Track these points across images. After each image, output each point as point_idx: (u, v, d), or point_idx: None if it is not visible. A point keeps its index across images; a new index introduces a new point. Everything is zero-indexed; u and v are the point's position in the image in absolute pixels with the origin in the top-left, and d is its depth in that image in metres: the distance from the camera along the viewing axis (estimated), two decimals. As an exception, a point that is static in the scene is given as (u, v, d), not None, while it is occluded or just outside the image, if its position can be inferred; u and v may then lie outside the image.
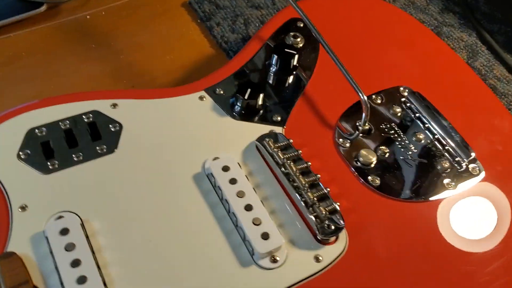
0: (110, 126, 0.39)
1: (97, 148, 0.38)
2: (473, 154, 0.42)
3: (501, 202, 0.41)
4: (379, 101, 0.45)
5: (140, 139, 0.39)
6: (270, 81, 0.45)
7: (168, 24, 0.61)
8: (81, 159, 0.37)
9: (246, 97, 0.41)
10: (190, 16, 0.62)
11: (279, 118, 0.43)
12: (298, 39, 0.48)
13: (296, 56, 0.45)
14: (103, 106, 0.40)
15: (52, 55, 0.57)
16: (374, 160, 0.41)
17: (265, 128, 0.42)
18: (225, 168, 0.37)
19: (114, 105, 0.40)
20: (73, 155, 0.37)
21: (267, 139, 0.39)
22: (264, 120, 0.42)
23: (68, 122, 0.38)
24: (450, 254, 0.37)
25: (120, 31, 0.60)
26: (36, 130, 0.38)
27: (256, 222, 0.35)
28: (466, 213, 0.40)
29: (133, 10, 0.63)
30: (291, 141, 0.40)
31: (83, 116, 0.39)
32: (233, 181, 0.36)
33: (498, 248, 0.38)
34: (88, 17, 0.61)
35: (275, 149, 0.38)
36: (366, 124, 0.43)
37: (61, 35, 0.59)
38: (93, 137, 0.38)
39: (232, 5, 0.62)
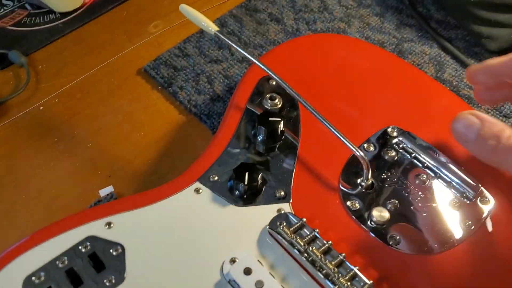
0: (111, 250, 0.36)
1: (105, 281, 0.35)
2: (479, 186, 0.42)
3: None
4: (372, 149, 0.44)
5: (147, 257, 0.36)
6: (261, 153, 0.43)
7: (129, 97, 0.58)
8: (114, 282, 0.34)
9: (246, 182, 0.39)
10: (149, 84, 0.59)
11: (282, 193, 0.41)
12: (276, 100, 0.46)
13: (282, 122, 0.44)
14: (97, 228, 0.37)
15: (15, 159, 0.53)
16: (387, 216, 0.40)
17: (272, 208, 0.40)
18: (247, 271, 0.35)
19: (109, 224, 0.37)
20: (105, 281, 0.34)
21: (280, 224, 0.37)
22: (269, 199, 0.40)
23: (66, 258, 0.35)
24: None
25: (80, 116, 0.57)
26: (33, 278, 0.34)
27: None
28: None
29: (87, 89, 0.59)
30: (305, 220, 0.38)
31: (80, 247, 0.36)
32: (259, 284, 0.34)
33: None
34: (41, 108, 0.57)
35: (292, 235, 0.36)
36: (370, 179, 0.42)
37: (18, 134, 0.55)
38: (97, 269, 0.35)
39: (190, 64, 0.59)
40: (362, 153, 0.41)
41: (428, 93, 0.49)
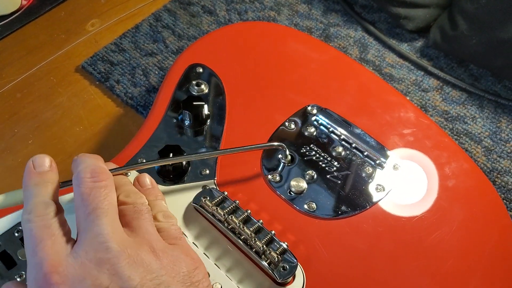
0: (44, 233, 0.38)
1: (37, 261, 0.37)
2: (389, 153, 0.46)
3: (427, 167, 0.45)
4: (293, 126, 0.47)
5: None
6: (188, 136, 0.46)
7: (68, 93, 0.60)
8: (24, 279, 0.36)
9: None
10: (87, 80, 0.61)
11: (207, 172, 0.43)
12: (202, 86, 0.49)
13: (206, 106, 0.46)
14: (29, 214, 0.39)
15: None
16: (305, 186, 0.43)
17: (198, 186, 0.42)
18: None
19: (41, 210, 0.39)
20: (16, 276, 0.36)
21: (203, 198, 0.40)
22: (195, 177, 0.43)
23: (0, 242, 0.37)
24: (404, 248, 0.40)
25: (20, 115, 0.58)
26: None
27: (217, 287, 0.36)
28: (403, 199, 0.43)
29: (27, 88, 0.61)
30: (226, 193, 0.41)
31: (13, 231, 0.38)
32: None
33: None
34: (-19, 108, 0.59)
35: (213, 207, 0.39)
36: (288, 156, 0.45)
37: (-42, 136, 0.56)
38: (29, 251, 0.37)
39: (126, 58, 0.62)
40: (276, 143, 0.44)
41: (346, 73, 0.53)
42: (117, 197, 0.33)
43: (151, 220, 0.33)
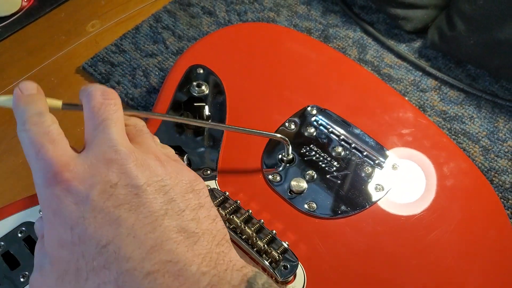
0: (47, 233, 0.39)
1: (41, 261, 0.37)
2: (388, 153, 0.46)
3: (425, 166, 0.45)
4: (293, 127, 0.48)
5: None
6: (190, 137, 0.46)
7: (68, 94, 0.61)
8: (28, 279, 0.36)
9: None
10: (88, 81, 0.62)
11: (209, 172, 0.44)
12: (203, 87, 0.49)
13: (206, 107, 0.47)
14: (32, 214, 0.40)
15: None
16: (305, 186, 0.43)
17: (198, 186, 0.43)
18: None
19: (44, 210, 0.40)
20: (20, 276, 0.36)
21: (204, 199, 0.41)
22: (195, 178, 0.43)
23: (3, 243, 0.38)
24: (400, 252, 0.41)
25: (21, 116, 0.58)
26: (-28, 262, 0.36)
27: None
28: (403, 199, 0.44)
29: (28, 89, 0.61)
30: (227, 193, 0.41)
31: (16, 232, 0.38)
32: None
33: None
34: (-18, 110, 0.59)
35: (215, 207, 0.40)
36: (290, 154, 0.45)
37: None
38: (32, 251, 0.38)
39: (126, 59, 0.62)
40: (280, 135, 0.44)
41: (345, 73, 0.53)
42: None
43: (152, 138, 0.34)
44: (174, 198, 0.29)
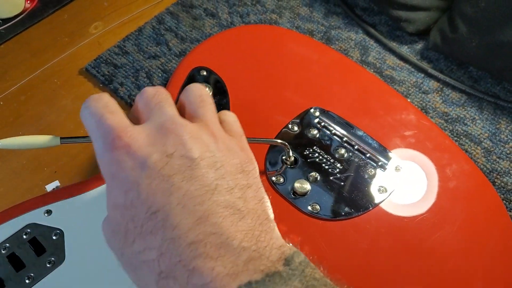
0: (51, 235, 0.39)
1: (46, 262, 0.37)
2: (391, 155, 0.46)
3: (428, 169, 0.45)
4: (296, 129, 0.48)
5: (85, 239, 0.39)
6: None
7: (71, 96, 0.61)
8: (33, 280, 0.36)
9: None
10: (91, 83, 0.62)
11: (211, 174, 0.44)
12: (207, 89, 0.49)
13: (210, 108, 0.47)
14: (37, 216, 0.40)
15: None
16: (308, 187, 0.44)
17: (201, 188, 0.43)
18: (178, 244, 0.38)
19: (48, 212, 0.40)
20: (25, 278, 0.36)
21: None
22: (199, 180, 0.44)
23: (8, 245, 0.38)
24: (406, 250, 0.41)
25: (25, 117, 0.59)
26: (-23, 264, 0.37)
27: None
28: (405, 199, 0.44)
29: (31, 91, 0.61)
30: (230, 195, 0.41)
31: (21, 234, 0.38)
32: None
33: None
34: (-14, 111, 0.59)
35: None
36: (292, 157, 0.45)
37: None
38: (37, 252, 0.38)
39: (129, 61, 0.62)
40: (280, 141, 0.44)
41: (348, 75, 0.53)
42: (181, 99, 0.36)
43: (214, 110, 0.35)
44: (224, 175, 0.30)
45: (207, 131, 0.32)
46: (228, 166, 0.31)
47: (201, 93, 0.35)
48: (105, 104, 0.31)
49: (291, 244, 0.30)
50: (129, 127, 0.30)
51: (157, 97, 0.33)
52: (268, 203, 0.32)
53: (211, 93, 0.50)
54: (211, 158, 0.30)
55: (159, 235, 0.28)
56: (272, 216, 0.31)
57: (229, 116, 0.37)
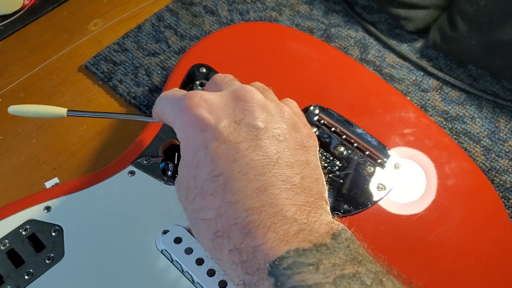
0: (50, 231, 0.39)
1: (45, 259, 0.37)
2: (390, 152, 0.46)
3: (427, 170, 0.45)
4: (296, 126, 0.48)
5: (84, 235, 0.39)
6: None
7: (71, 93, 0.61)
8: (33, 276, 0.36)
9: (176, 162, 0.42)
10: (90, 80, 0.62)
11: (211, 171, 0.44)
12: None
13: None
14: (36, 212, 0.40)
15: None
16: (308, 185, 0.44)
17: (201, 185, 0.43)
18: (178, 240, 0.38)
19: (48, 208, 0.40)
20: (24, 274, 0.36)
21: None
22: (198, 177, 0.44)
23: (7, 241, 0.38)
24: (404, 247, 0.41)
25: (23, 114, 0.58)
26: (-24, 260, 0.37)
27: (222, 285, 0.36)
28: (404, 200, 0.44)
29: (30, 88, 0.61)
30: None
31: (20, 230, 0.38)
32: (188, 251, 0.38)
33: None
34: (-15, 108, 0.59)
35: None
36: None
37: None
38: (36, 248, 0.38)
39: (129, 58, 0.62)
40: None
41: (347, 73, 0.53)
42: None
43: (275, 96, 0.37)
44: (286, 149, 0.32)
45: (274, 104, 0.34)
46: (290, 140, 0.33)
47: (260, 84, 0.38)
48: (176, 89, 0.35)
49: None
50: (201, 92, 0.33)
51: (227, 77, 0.36)
52: (323, 182, 0.34)
53: (210, 90, 0.50)
54: (276, 130, 0.32)
55: (218, 197, 0.30)
56: (326, 194, 0.33)
57: (291, 102, 0.39)
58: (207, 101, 0.32)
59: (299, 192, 0.30)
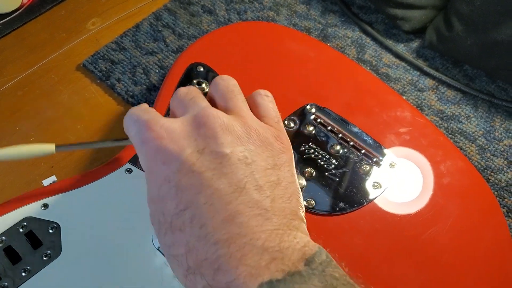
0: (47, 228, 0.39)
1: (42, 256, 0.38)
2: (386, 151, 0.47)
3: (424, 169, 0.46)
4: (292, 125, 0.48)
5: (81, 232, 0.39)
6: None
7: (69, 92, 0.61)
8: (30, 273, 0.37)
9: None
10: (88, 78, 0.62)
11: (208, 169, 0.44)
12: (203, 85, 0.50)
13: (207, 104, 0.47)
14: (34, 210, 0.40)
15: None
16: (304, 183, 0.44)
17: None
18: (173, 238, 0.38)
19: (45, 206, 0.40)
20: (21, 271, 0.37)
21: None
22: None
23: (4, 238, 0.38)
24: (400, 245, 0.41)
25: (22, 112, 0.59)
26: (-26, 256, 0.37)
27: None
28: (400, 199, 0.44)
29: (28, 86, 0.61)
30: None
31: (17, 227, 0.39)
32: (184, 248, 0.38)
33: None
34: (-17, 106, 0.59)
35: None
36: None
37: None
38: (34, 246, 0.38)
39: (127, 57, 0.62)
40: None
41: (344, 72, 0.54)
42: (210, 94, 0.36)
43: (244, 100, 0.35)
44: (254, 172, 0.30)
45: (239, 122, 0.32)
46: (259, 161, 0.31)
47: (228, 84, 0.35)
48: (143, 108, 0.33)
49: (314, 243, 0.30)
50: (162, 119, 0.31)
51: (189, 94, 0.34)
52: (298, 198, 0.32)
53: (208, 89, 0.50)
54: (243, 153, 0.30)
55: (186, 232, 0.28)
56: (301, 211, 0.31)
57: (265, 98, 0.36)
58: (168, 131, 0.31)
59: (269, 217, 0.29)
